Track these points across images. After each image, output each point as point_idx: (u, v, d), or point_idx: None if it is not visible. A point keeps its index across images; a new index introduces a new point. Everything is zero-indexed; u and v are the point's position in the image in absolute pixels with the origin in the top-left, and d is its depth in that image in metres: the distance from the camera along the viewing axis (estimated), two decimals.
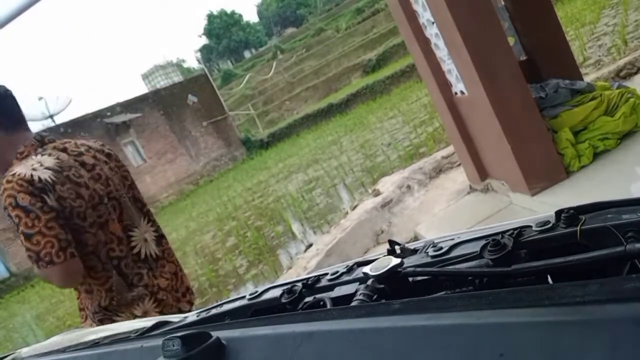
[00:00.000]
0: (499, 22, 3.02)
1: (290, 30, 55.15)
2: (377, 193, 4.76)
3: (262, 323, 0.52)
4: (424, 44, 3.34)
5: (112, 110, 22.80)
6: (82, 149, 1.65)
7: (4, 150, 1.55)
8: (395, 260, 0.59)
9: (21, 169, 1.47)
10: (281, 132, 23.21)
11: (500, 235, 0.56)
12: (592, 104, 3.15)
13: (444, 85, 3.39)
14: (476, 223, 3.12)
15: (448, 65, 3.23)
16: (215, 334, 0.48)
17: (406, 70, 18.58)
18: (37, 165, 1.49)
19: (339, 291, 0.66)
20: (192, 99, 24.76)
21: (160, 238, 1.77)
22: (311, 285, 0.70)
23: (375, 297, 0.58)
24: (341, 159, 9.74)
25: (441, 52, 3.22)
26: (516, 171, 2.97)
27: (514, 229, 0.57)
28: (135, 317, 1.57)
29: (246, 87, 31.45)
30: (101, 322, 1.58)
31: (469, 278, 0.54)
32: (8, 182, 1.44)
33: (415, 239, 3.57)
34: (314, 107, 23.48)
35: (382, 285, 0.59)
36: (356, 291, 0.60)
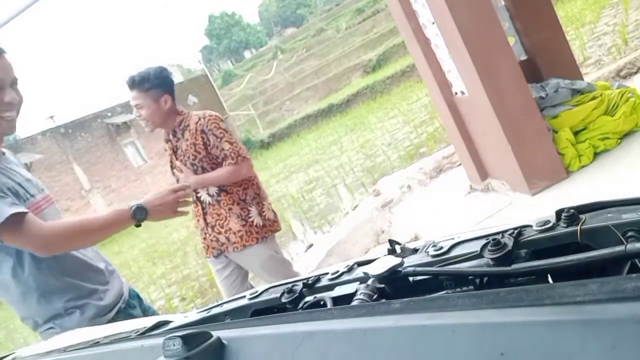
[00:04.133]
0: (499, 22, 3.02)
1: (290, 30, 55.16)
2: (377, 193, 4.76)
3: (263, 323, 0.52)
4: (424, 44, 3.34)
5: (113, 110, 22.80)
6: None
7: (170, 113, 2.39)
8: (396, 260, 0.59)
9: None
10: (282, 132, 23.22)
11: (500, 235, 0.56)
12: (592, 104, 3.15)
13: (444, 85, 3.39)
14: (476, 223, 3.12)
15: (448, 65, 3.23)
16: (215, 333, 0.48)
17: (406, 70, 18.59)
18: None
19: (340, 291, 0.66)
20: (192, 99, 24.76)
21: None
22: (311, 284, 0.71)
23: (375, 296, 0.58)
24: (341, 159, 9.74)
25: (441, 52, 3.22)
26: (516, 171, 2.97)
27: (514, 229, 0.57)
28: None
29: (247, 88, 31.47)
30: None
31: (470, 277, 0.54)
32: (210, 115, 2.40)
33: (416, 238, 3.57)
34: (315, 107, 23.48)
35: (383, 285, 0.59)
36: (356, 291, 0.60)
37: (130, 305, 1.73)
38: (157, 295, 6.91)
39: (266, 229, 2.49)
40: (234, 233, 2.43)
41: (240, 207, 2.44)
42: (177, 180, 2.48)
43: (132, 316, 1.67)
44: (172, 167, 2.53)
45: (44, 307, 1.51)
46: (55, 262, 1.51)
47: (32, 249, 1.44)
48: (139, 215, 1.63)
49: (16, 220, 1.38)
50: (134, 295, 1.80)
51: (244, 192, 2.47)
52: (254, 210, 2.47)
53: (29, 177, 1.62)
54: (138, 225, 1.67)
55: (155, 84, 2.32)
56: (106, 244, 18.63)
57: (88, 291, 1.58)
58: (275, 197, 9.59)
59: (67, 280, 1.53)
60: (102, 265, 1.67)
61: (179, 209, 1.76)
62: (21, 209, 1.41)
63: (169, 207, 1.73)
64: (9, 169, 1.55)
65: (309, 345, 0.42)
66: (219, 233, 2.45)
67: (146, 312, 1.81)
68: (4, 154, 1.59)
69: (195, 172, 2.40)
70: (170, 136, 2.47)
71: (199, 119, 2.39)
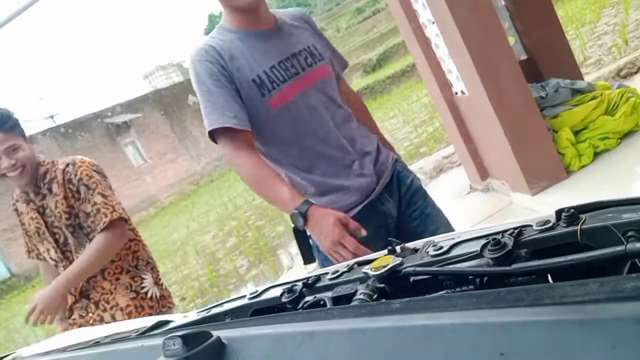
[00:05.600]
0: (499, 21, 3.02)
1: None
2: None
3: (263, 322, 0.52)
4: (424, 43, 3.34)
5: (113, 110, 22.82)
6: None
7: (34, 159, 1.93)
8: (396, 260, 0.59)
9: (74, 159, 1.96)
10: None
11: (500, 235, 0.56)
12: (592, 104, 3.15)
13: (444, 85, 3.39)
14: (476, 222, 3.12)
15: (448, 65, 3.23)
16: (215, 333, 0.48)
17: (407, 70, 18.57)
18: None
19: (339, 290, 0.66)
20: (192, 99, 24.76)
21: None
22: (311, 284, 0.70)
23: (375, 296, 0.58)
24: None
25: (441, 51, 3.22)
26: (516, 171, 2.97)
27: (515, 229, 0.57)
28: None
29: None
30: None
31: (470, 277, 0.54)
32: (82, 161, 1.93)
33: None
34: None
35: (383, 285, 0.59)
36: (356, 291, 0.60)
37: (381, 200, 1.50)
38: None
39: (164, 301, 2.03)
40: (121, 309, 1.93)
41: (131, 275, 1.97)
42: (37, 255, 2.02)
43: (377, 213, 1.48)
44: (41, 235, 1.94)
45: None
46: (298, 159, 1.45)
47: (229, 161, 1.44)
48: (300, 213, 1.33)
49: (224, 133, 1.36)
50: (393, 184, 1.55)
51: (135, 256, 2.00)
52: (148, 279, 1.99)
53: (295, 51, 1.44)
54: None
55: (16, 122, 1.89)
56: None
57: (328, 187, 1.45)
58: None
59: (305, 175, 1.46)
60: (349, 161, 1.47)
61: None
62: (227, 123, 1.34)
63: (327, 236, 1.27)
64: (265, 50, 1.41)
65: (308, 345, 0.42)
66: (104, 310, 1.93)
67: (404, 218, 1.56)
68: (271, 27, 1.45)
69: (73, 235, 1.90)
70: (32, 195, 1.93)
71: (67, 165, 1.90)
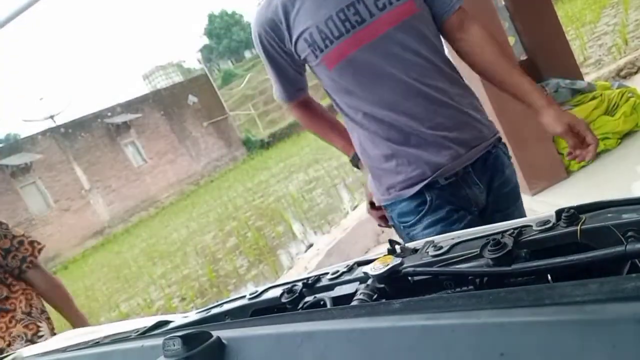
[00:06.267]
0: (499, 21, 3.02)
1: None
2: None
3: (263, 323, 0.52)
4: None
5: (113, 110, 22.83)
6: None
7: None
8: (396, 260, 0.59)
9: None
10: (282, 132, 23.23)
11: (500, 235, 0.56)
12: (592, 104, 3.15)
13: None
14: None
15: None
16: (215, 333, 0.48)
17: None
18: None
19: (339, 291, 0.66)
20: (192, 99, 24.79)
21: None
22: (311, 284, 0.70)
23: (375, 296, 0.58)
24: (342, 159, 9.73)
25: None
26: (516, 171, 2.97)
27: (514, 229, 0.57)
28: None
29: (247, 87, 31.46)
30: None
31: (469, 278, 0.54)
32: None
33: None
34: None
35: (382, 285, 0.59)
36: (356, 291, 0.60)
37: (467, 182, 1.26)
38: (157, 295, 6.91)
39: None
40: None
41: (24, 324, 1.75)
42: None
43: (454, 195, 1.25)
44: None
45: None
46: (362, 119, 1.27)
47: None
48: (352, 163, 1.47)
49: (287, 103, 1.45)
50: (487, 168, 1.29)
51: (29, 304, 1.79)
52: (44, 328, 1.78)
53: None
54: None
55: None
56: (106, 244, 18.64)
57: (393, 153, 1.24)
58: (276, 197, 9.59)
59: (370, 135, 1.27)
60: (420, 130, 1.22)
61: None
62: (277, 96, 1.43)
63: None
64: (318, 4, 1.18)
65: (308, 345, 0.42)
66: None
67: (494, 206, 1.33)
68: None
69: None
70: None
71: None
